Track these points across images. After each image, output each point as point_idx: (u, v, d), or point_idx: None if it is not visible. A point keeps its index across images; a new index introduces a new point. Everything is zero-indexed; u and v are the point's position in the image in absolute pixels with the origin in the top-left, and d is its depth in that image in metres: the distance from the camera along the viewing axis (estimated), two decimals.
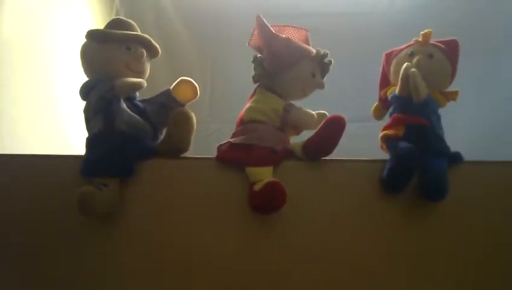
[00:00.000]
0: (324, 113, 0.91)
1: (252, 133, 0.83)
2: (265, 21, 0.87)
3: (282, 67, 0.87)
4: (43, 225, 0.82)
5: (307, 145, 0.82)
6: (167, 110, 0.87)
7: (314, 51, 0.88)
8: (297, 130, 0.92)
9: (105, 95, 0.81)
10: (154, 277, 0.80)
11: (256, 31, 0.90)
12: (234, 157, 0.81)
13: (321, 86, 0.89)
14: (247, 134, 0.83)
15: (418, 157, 0.77)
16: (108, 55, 0.86)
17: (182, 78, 0.90)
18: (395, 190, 0.80)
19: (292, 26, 0.90)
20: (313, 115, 0.87)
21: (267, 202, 0.76)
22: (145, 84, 0.84)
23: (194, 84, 0.89)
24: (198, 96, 0.90)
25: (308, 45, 0.91)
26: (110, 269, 0.81)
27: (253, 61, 0.89)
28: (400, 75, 0.84)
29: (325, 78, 0.91)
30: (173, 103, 0.88)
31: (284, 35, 0.88)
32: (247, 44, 0.91)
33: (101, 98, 0.81)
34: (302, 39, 0.90)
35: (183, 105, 0.89)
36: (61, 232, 0.81)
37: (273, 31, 0.88)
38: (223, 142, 0.84)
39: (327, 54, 0.89)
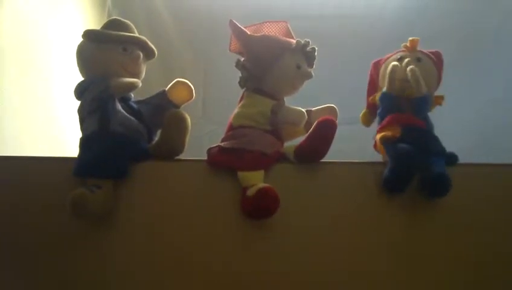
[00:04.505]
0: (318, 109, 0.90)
1: (241, 138, 0.82)
2: (237, 24, 0.87)
3: (265, 66, 0.86)
4: (36, 227, 0.81)
5: (298, 149, 0.81)
6: (162, 111, 0.86)
7: (294, 41, 0.87)
8: (291, 134, 0.91)
9: (101, 95, 0.81)
10: (148, 278, 0.80)
11: (232, 35, 0.89)
12: (225, 161, 0.80)
13: (308, 76, 0.87)
14: (237, 139, 0.82)
15: (417, 157, 0.78)
16: (104, 55, 0.85)
17: (177, 79, 0.90)
18: (397, 189, 0.81)
19: (270, 22, 0.89)
20: (301, 111, 0.85)
21: (260, 208, 0.76)
22: (140, 84, 0.84)
23: (190, 86, 0.89)
24: (193, 97, 0.90)
25: (291, 36, 0.90)
26: (104, 270, 0.80)
27: (236, 66, 0.89)
28: (387, 71, 0.86)
29: (317, 72, 0.90)
30: (168, 104, 0.88)
31: (262, 33, 0.88)
32: (228, 49, 0.91)
33: (96, 98, 0.81)
34: (282, 32, 0.90)
35: (178, 106, 0.89)
36: (55, 235, 0.81)
37: (247, 32, 0.87)
38: (212, 146, 0.84)
39: (308, 42, 0.87)
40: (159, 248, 0.80)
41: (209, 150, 0.83)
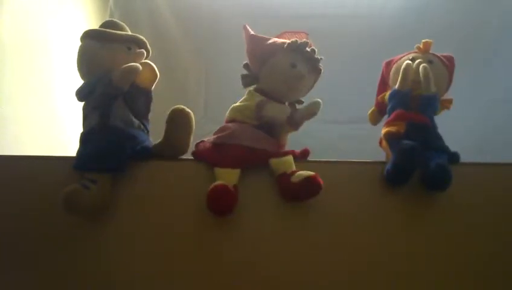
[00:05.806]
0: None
1: (224, 132, 0.83)
2: (248, 27, 0.88)
3: (259, 65, 0.87)
4: (36, 227, 0.81)
5: (282, 185, 0.79)
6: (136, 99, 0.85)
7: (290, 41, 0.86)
8: (281, 130, 0.88)
9: (105, 90, 0.81)
10: (147, 277, 0.80)
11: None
12: (205, 156, 0.82)
13: (300, 75, 0.85)
14: (221, 133, 0.83)
15: (421, 153, 0.78)
16: (110, 54, 0.85)
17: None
18: (397, 183, 0.81)
19: (288, 32, 0.89)
20: (282, 107, 0.85)
21: (212, 206, 0.76)
22: (141, 68, 0.82)
23: (151, 65, 0.86)
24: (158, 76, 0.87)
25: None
26: (105, 269, 0.81)
27: (243, 67, 0.91)
28: (401, 69, 0.86)
29: (322, 73, 0.90)
30: (136, 90, 0.85)
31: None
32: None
33: (102, 94, 0.81)
34: None
35: (148, 89, 0.87)
36: (55, 234, 0.81)
37: (252, 33, 0.88)
38: (198, 141, 0.86)
39: (306, 42, 0.86)
40: (159, 248, 0.80)
41: (197, 145, 0.85)
